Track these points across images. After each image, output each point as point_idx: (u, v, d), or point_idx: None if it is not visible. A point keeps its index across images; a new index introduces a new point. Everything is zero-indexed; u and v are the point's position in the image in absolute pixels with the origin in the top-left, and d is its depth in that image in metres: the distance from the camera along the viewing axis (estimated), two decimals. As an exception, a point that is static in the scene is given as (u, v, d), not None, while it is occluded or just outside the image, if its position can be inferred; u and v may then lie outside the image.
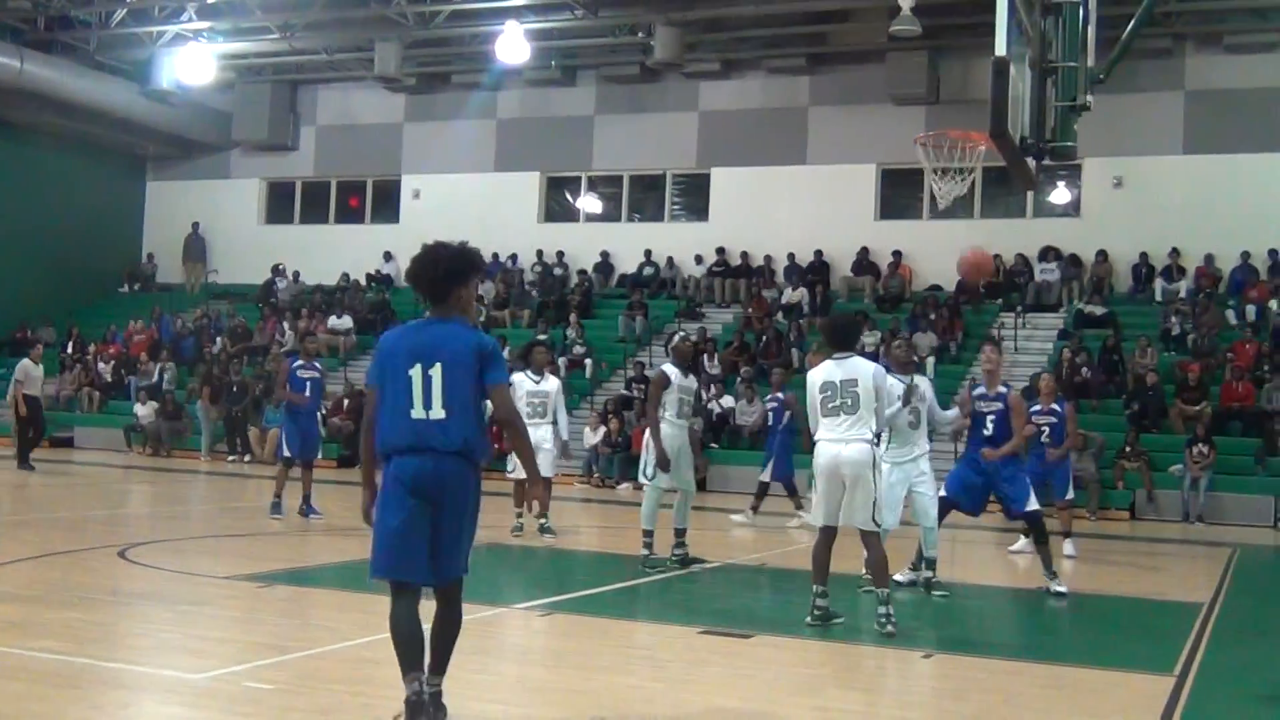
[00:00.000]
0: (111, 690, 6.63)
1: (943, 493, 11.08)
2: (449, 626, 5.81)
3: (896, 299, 27.39)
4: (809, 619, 8.85)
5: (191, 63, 30.21)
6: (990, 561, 14.69)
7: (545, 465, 14.01)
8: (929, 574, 10.90)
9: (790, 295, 27.78)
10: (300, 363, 15.17)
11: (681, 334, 12.36)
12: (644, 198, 31.58)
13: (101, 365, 29.67)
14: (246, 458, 25.40)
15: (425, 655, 5.69)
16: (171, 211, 34.61)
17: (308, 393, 14.93)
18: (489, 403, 5.80)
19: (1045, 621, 10.76)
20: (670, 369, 11.55)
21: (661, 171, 30.87)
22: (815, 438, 8.89)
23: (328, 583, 9.99)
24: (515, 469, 13.83)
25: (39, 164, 32.23)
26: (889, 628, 8.62)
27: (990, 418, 11.10)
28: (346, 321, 29.43)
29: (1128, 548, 17.17)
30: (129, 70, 31.13)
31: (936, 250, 27.63)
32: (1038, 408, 13.97)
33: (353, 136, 33.07)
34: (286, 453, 14.77)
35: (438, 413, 5.63)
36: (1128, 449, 21.26)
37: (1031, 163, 12.26)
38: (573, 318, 28.02)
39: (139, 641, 8.06)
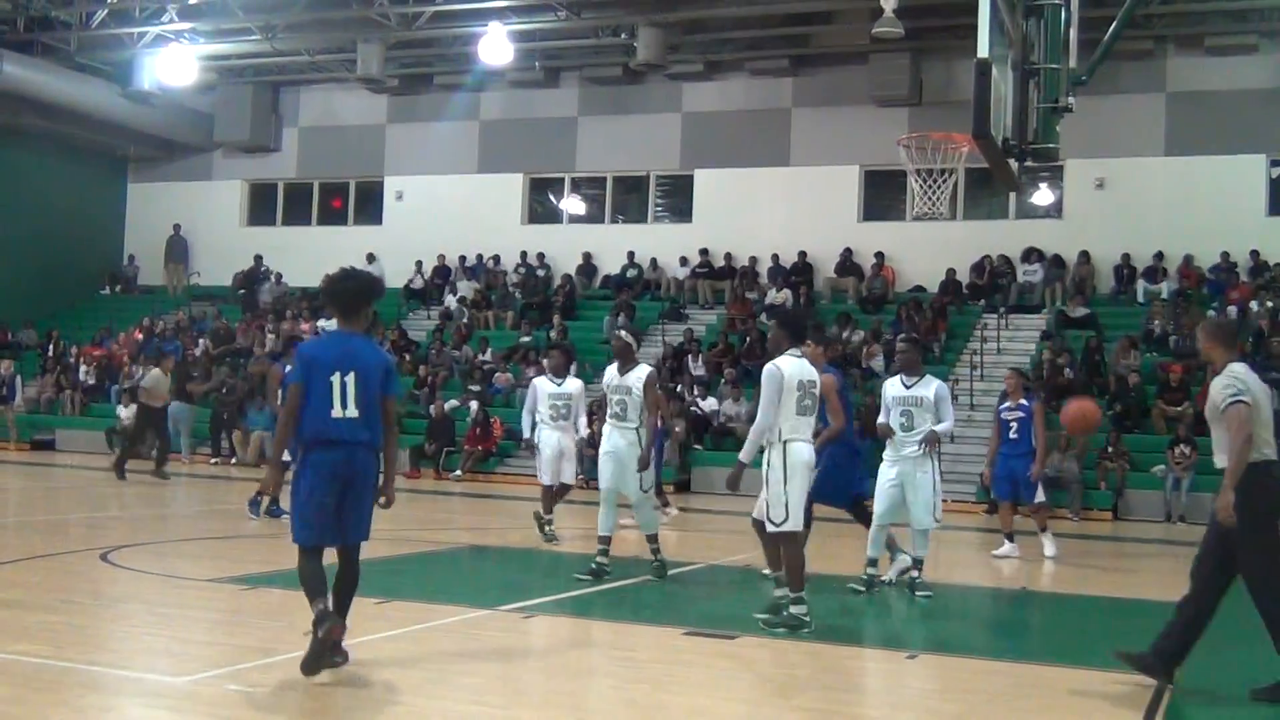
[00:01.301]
0: (93, 694, 6.61)
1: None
2: (351, 581, 7.20)
3: (880, 300, 27.45)
4: (766, 619, 8.86)
5: (173, 64, 30.14)
6: (973, 562, 14.74)
7: (568, 473, 14.15)
8: (915, 574, 10.90)
9: (774, 296, 27.81)
10: (290, 367, 15.09)
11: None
12: (627, 199, 31.60)
13: (84, 368, 29.56)
14: (233, 460, 25.34)
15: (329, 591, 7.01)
16: (153, 213, 34.51)
17: None
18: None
19: (1028, 621, 10.79)
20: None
21: (645, 173, 30.88)
22: (784, 436, 8.73)
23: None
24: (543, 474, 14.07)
25: (19, 166, 32.14)
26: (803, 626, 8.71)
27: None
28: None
29: (1111, 548, 17.24)
30: (110, 71, 31.05)
31: (920, 251, 27.74)
32: (1007, 404, 14.33)
33: (335, 138, 33.03)
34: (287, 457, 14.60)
35: (352, 412, 6.98)
36: (1110, 449, 21.36)
37: (1014, 164, 12.31)
38: (556, 319, 28.01)
39: (121, 645, 8.04)
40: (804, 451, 8.80)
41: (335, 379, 6.98)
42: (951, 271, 27.18)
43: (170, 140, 33.68)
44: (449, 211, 31.57)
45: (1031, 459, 14.00)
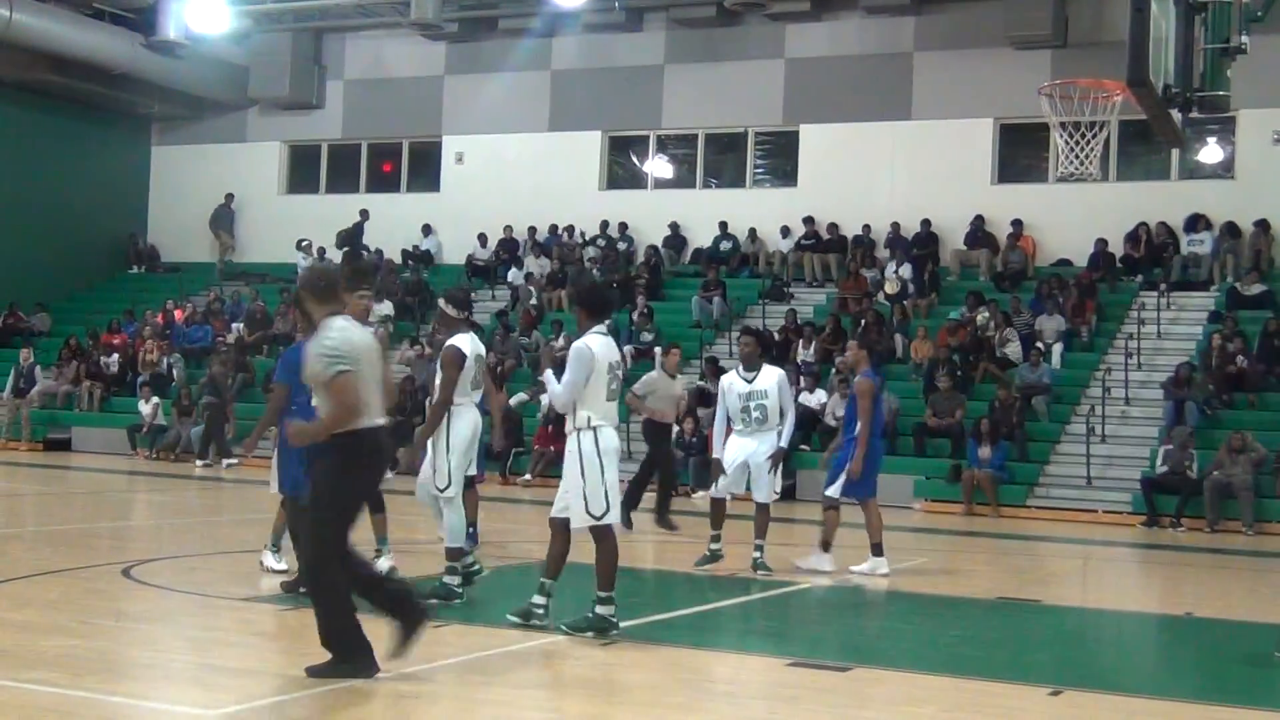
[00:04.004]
0: (116, 728, 6.71)
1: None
2: None
3: (1017, 276, 27.16)
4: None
5: (203, 9, 30.50)
6: (1130, 586, 14.56)
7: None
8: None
9: (893, 272, 27.62)
10: None
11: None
12: (721, 160, 31.51)
13: (104, 358, 29.97)
14: (225, 464, 25.37)
15: None
16: (180, 180, 35.03)
17: None
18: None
19: (1182, 652, 10.65)
20: (463, 338, 10.70)
21: (742, 129, 30.80)
22: (593, 423, 9.11)
23: (360, 606, 10.05)
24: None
25: (30, 127, 32.71)
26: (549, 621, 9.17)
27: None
28: (387, 306, 28.96)
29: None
30: (132, 19, 31.43)
31: (1065, 219, 27.40)
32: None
33: (386, 92, 33.28)
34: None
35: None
36: (1291, 451, 20.99)
37: (1177, 116, 12.12)
38: (639, 299, 28.02)
39: (146, 672, 8.16)
40: (614, 438, 9.19)
41: None
42: (1103, 242, 26.82)
43: (200, 97, 34.08)
44: (516, 176, 31.67)
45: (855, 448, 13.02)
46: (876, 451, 13.21)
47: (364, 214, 32.38)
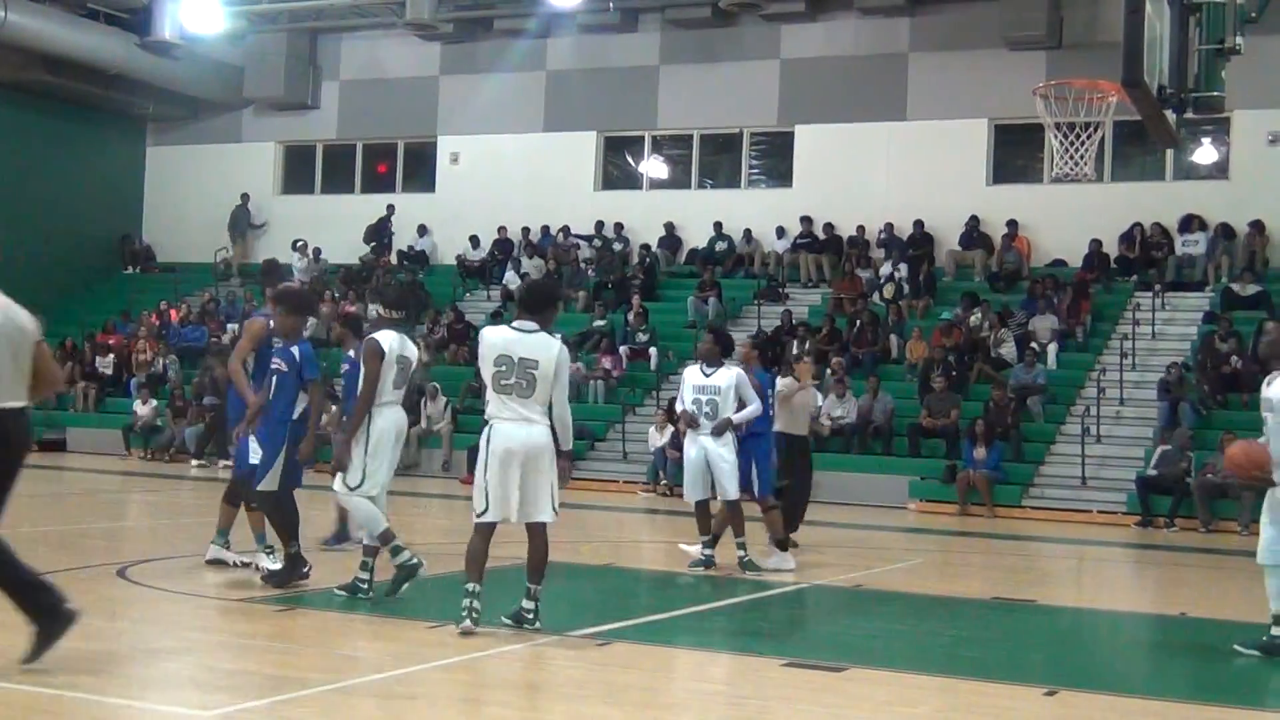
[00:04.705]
0: (110, 729, 6.71)
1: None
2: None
3: (1013, 276, 27.18)
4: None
5: (198, 10, 30.49)
6: (1125, 585, 14.57)
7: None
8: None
9: (888, 272, 27.63)
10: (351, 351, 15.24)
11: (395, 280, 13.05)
12: (717, 160, 31.53)
13: (99, 358, 29.99)
14: (221, 462, 25.40)
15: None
16: (175, 180, 35.00)
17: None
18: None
19: (1178, 652, 10.66)
20: (386, 334, 10.53)
21: (737, 130, 30.80)
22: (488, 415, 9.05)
23: (356, 607, 10.06)
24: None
25: (26, 127, 32.68)
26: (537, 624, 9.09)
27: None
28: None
29: None
30: (127, 20, 31.44)
31: (1059, 219, 27.42)
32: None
33: (381, 93, 33.26)
34: None
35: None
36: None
37: (1171, 116, 12.14)
38: (635, 300, 28.03)
39: (141, 673, 8.15)
40: (503, 435, 8.90)
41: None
42: (1097, 243, 26.83)
43: (195, 97, 34.08)
44: (511, 176, 31.67)
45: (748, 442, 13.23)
46: (765, 448, 13.46)
47: (390, 209, 32.36)
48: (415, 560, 10.23)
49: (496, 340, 9.04)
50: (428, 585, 10.45)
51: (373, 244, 32.49)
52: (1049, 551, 17.99)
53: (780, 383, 14.40)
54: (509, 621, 9.15)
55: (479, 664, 8.38)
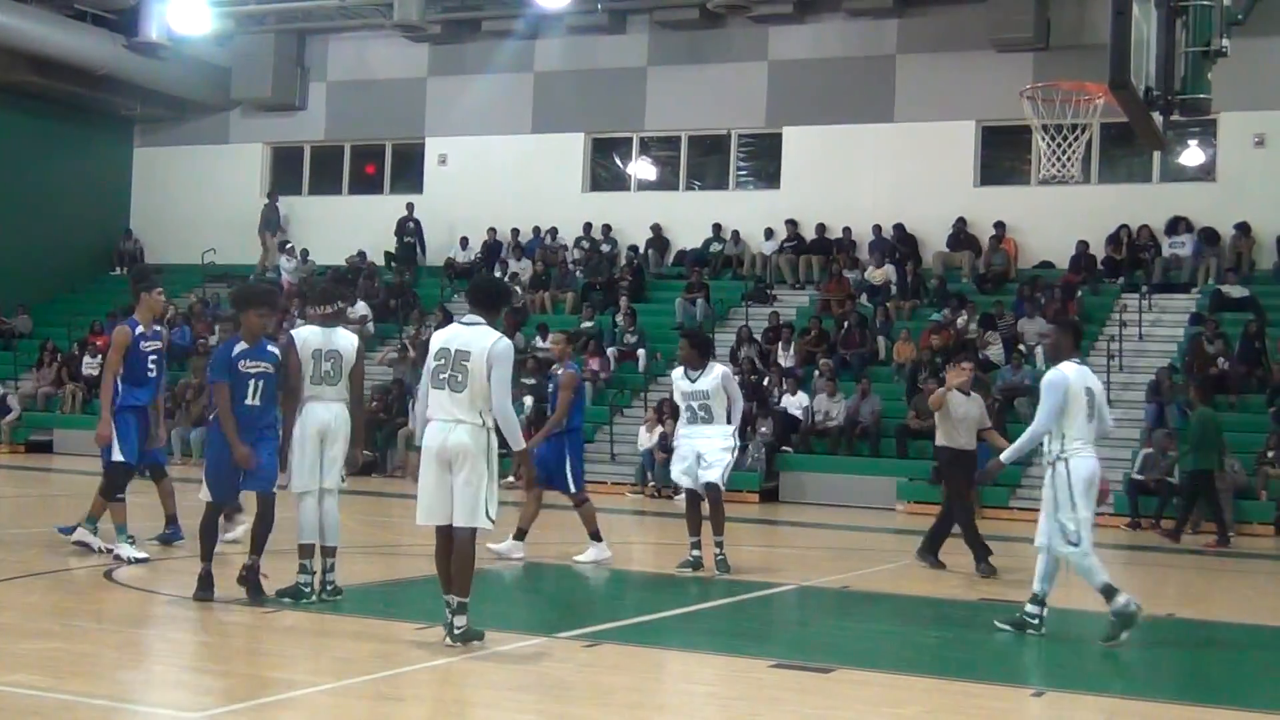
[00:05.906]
0: (97, 731, 6.70)
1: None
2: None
3: (1000, 278, 27.20)
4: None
5: (185, 10, 30.43)
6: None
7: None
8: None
9: (875, 274, 27.65)
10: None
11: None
12: (705, 162, 31.52)
13: (88, 359, 29.90)
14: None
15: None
16: (162, 181, 34.92)
17: None
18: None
19: (1161, 653, 10.68)
20: (305, 329, 10.56)
21: (725, 131, 30.80)
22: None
23: (343, 608, 10.05)
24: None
25: (12, 128, 32.58)
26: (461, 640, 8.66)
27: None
28: (363, 307, 28.86)
29: (1273, 568, 17.00)
30: (114, 20, 31.35)
31: (1046, 221, 27.45)
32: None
33: (369, 94, 33.22)
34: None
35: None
36: (1270, 453, 21.02)
37: (1158, 118, 12.16)
38: (623, 302, 28.02)
39: (128, 675, 8.14)
40: (429, 435, 8.73)
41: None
42: (1084, 245, 26.87)
43: (182, 98, 34.00)
44: (499, 178, 31.64)
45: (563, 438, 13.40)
46: (578, 444, 13.66)
47: (410, 207, 32.24)
48: (309, 588, 10.09)
49: (440, 334, 9.04)
50: (414, 588, 10.43)
51: (399, 237, 32.10)
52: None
53: (935, 395, 14.04)
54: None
55: (467, 666, 8.38)
